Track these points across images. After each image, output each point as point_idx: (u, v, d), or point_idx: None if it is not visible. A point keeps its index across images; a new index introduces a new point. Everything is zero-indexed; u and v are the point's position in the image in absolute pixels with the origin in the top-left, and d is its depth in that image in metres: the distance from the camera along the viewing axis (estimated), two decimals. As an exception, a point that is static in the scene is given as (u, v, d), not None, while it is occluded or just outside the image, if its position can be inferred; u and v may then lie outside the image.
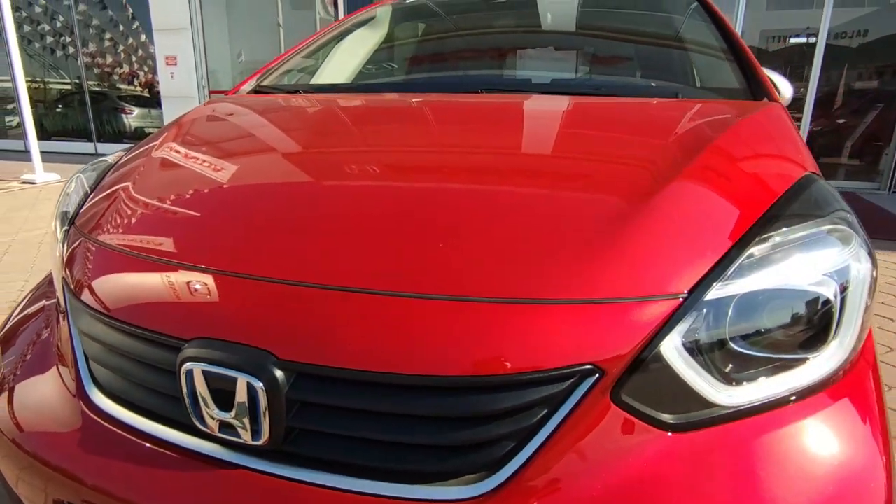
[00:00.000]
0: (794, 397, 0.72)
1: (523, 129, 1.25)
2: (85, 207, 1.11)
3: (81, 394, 0.86)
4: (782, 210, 0.83)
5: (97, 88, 10.47)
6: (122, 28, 10.14)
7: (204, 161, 1.23)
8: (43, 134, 7.89)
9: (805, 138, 7.00)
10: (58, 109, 10.90)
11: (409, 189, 0.97)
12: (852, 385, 0.76)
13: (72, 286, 0.92)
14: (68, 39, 10.49)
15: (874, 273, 0.79)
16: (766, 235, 0.78)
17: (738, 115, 1.22)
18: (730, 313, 0.72)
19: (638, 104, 1.37)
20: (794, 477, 0.67)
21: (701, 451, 0.68)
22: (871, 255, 0.80)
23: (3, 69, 11.22)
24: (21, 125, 10.33)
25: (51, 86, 10.98)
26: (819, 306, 0.75)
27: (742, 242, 0.77)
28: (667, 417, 0.69)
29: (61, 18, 10.42)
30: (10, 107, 11.32)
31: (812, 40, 6.90)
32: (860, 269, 0.78)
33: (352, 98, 1.69)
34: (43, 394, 0.91)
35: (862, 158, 7.54)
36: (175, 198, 1.02)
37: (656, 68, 1.87)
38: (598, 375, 0.67)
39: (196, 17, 8.99)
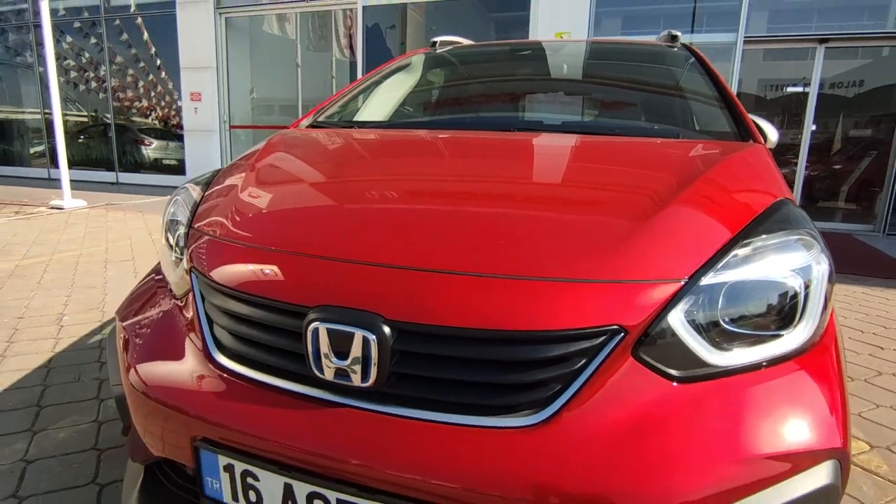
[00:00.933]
0: (773, 362, 0.95)
1: (561, 160, 1.53)
2: (202, 214, 1.34)
3: (207, 355, 1.09)
4: (760, 223, 1.08)
5: (118, 122, 10.92)
6: (143, 65, 10.60)
7: (298, 175, 1.49)
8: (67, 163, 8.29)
9: (801, 182, 7.31)
10: (80, 140, 11.33)
11: (481, 199, 1.25)
12: (817, 355, 0.99)
13: (200, 271, 1.15)
14: (92, 75, 10.98)
15: (831, 272, 1.03)
16: (747, 241, 1.02)
17: (727, 152, 1.48)
18: (720, 297, 0.96)
19: (647, 143, 1.66)
20: (769, 417, 0.89)
21: (699, 397, 0.91)
22: (828, 259, 1.04)
23: (28, 101, 11.76)
24: (50, 154, 10.71)
25: (75, 118, 11.44)
26: (789, 295, 0.99)
27: (728, 245, 1.02)
28: (673, 372, 0.92)
29: (86, 55, 10.94)
30: (31, 136, 11.77)
31: (807, 90, 7.22)
32: (820, 269, 1.02)
33: (403, 132, 1.97)
34: (172, 359, 1.13)
35: (858, 202, 7.84)
36: (287, 204, 1.28)
37: (660, 115, 2.16)
38: (623, 334, 0.90)
39: (221, 57, 9.49)
